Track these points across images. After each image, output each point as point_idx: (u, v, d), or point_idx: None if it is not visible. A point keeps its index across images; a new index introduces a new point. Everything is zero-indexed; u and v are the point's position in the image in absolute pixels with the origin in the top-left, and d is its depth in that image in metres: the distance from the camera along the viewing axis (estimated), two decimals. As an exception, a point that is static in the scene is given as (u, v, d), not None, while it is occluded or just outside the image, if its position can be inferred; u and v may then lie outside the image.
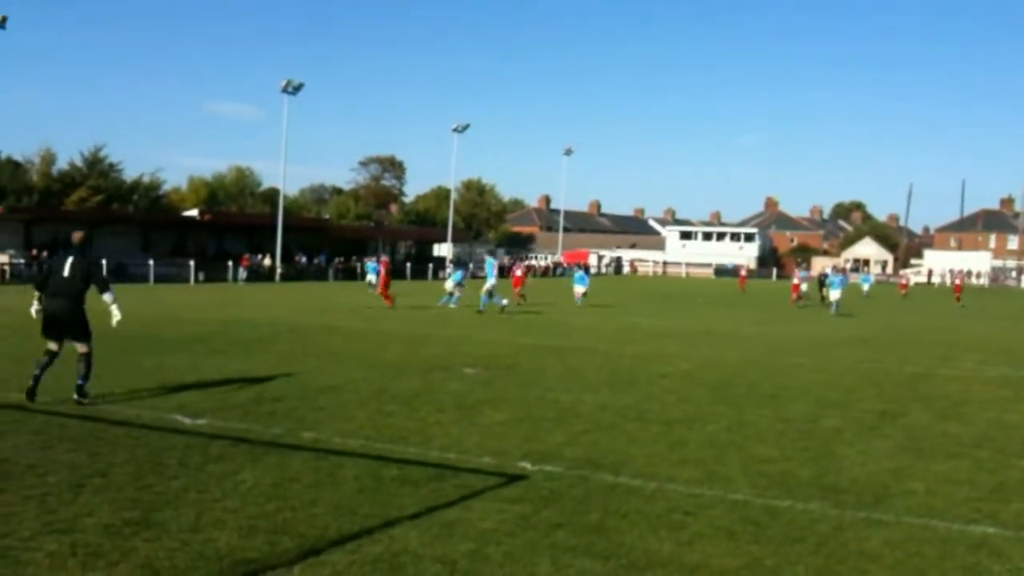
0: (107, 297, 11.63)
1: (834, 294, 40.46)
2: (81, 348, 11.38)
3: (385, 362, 16.99)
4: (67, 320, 11.26)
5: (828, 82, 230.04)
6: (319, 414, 11.30)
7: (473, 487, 8.05)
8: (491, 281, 33.04)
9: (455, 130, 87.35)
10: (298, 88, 69.48)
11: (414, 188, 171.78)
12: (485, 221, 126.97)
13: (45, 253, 59.01)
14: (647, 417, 11.90)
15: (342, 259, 74.21)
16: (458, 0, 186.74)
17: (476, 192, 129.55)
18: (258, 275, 63.76)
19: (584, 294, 39.89)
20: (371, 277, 47.31)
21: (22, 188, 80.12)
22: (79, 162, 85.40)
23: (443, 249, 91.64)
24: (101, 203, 79.46)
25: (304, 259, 72.88)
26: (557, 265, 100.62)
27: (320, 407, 11.79)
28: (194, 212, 74.17)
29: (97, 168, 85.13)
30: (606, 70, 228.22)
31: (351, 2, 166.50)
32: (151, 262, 58.28)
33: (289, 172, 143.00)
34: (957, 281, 61.27)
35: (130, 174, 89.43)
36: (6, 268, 54.28)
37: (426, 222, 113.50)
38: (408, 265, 75.97)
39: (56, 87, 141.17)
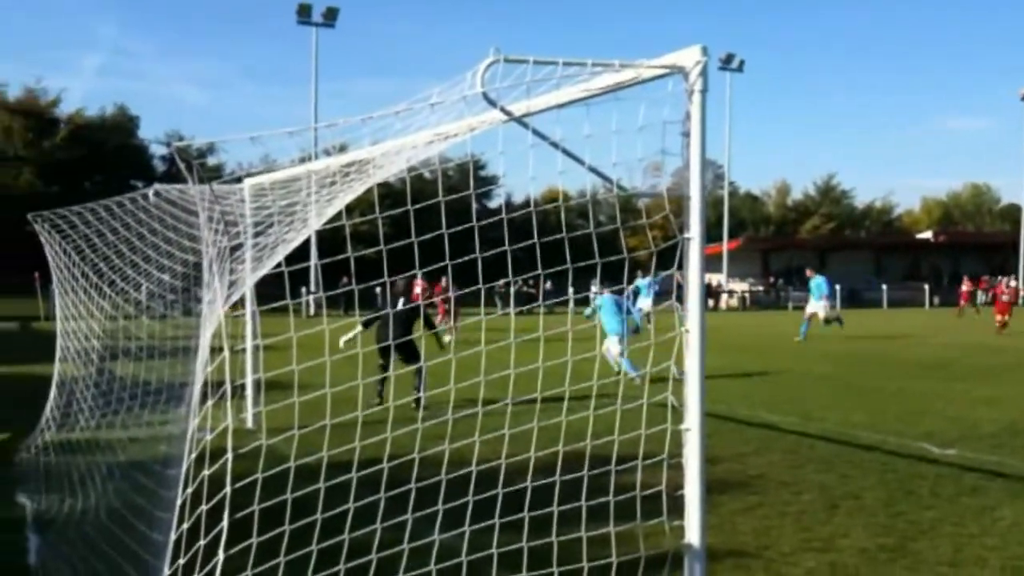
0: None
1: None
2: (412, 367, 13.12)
3: None
4: (398, 346, 12.97)
5: None
6: (1086, 452, 9.99)
7: None
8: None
9: None
10: (1041, 93, 63.74)
11: None
12: None
13: (780, 280, 62.42)
14: None
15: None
16: None
17: None
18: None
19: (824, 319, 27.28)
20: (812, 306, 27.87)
21: (759, 219, 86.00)
22: (812, 191, 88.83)
23: None
24: (833, 230, 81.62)
25: (1053, 279, 66.23)
26: None
27: (1087, 444, 10.43)
28: (928, 234, 72.22)
29: (829, 196, 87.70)
30: None
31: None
32: (884, 287, 58.12)
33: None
34: None
35: (862, 199, 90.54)
36: (746, 295, 58.48)
37: None
38: None
39: (791, 120, 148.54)
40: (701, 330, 4.29)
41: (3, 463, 9.13)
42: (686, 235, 4.29)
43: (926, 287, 59.58)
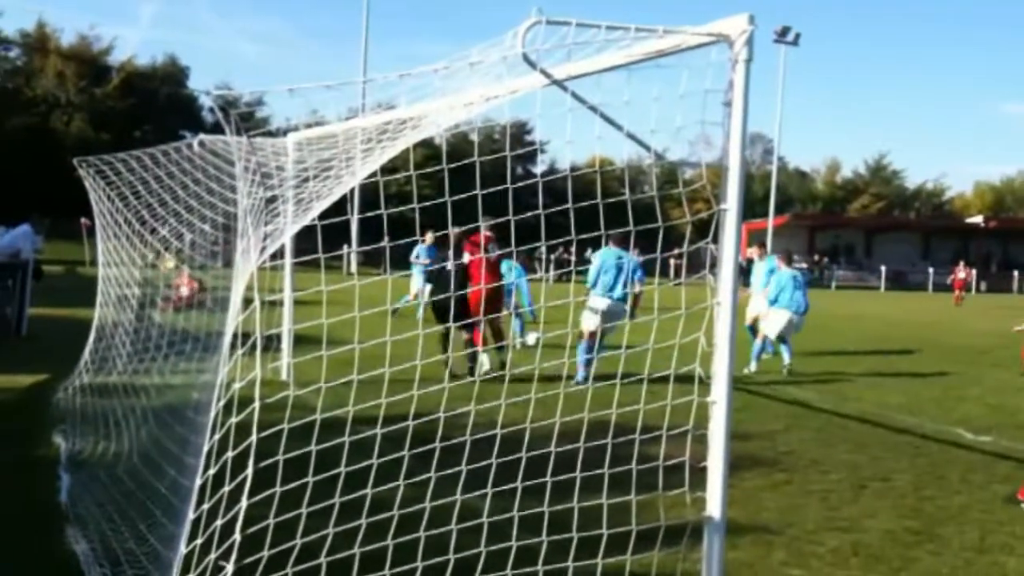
0: None
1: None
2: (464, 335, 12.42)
3: None
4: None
5: None
6: None
7: None
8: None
9: None
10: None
11: None
12: None
13: (826, 259, 61.77)
14: None
15: None
16: None
17: None
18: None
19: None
20: None
21: (807, 196, 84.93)
22: (862, 170, 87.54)
23: None
24: (882, 210, 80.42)
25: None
26: None
27: None
28: (978, 219, 70.96)
29: (880, 175, 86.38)
30: None
31: None
32: (931, 270, 57.34)
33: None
34: None
35: (913, 181, 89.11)
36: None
37: None
38: None
39: (840, 97, 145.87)
40: (733, 303, 4.25)
41: (40, 403, 9.32)
42: (722, 206, 4.24)
43: (973, 272, 58.61)
